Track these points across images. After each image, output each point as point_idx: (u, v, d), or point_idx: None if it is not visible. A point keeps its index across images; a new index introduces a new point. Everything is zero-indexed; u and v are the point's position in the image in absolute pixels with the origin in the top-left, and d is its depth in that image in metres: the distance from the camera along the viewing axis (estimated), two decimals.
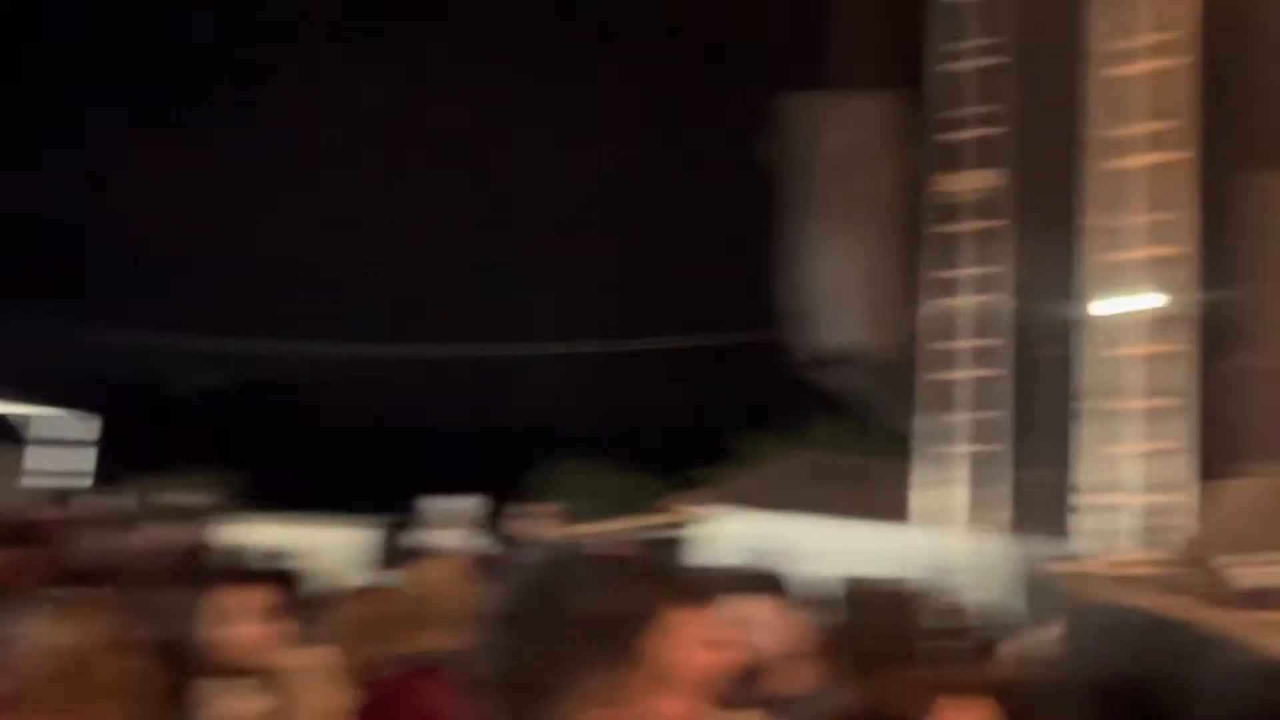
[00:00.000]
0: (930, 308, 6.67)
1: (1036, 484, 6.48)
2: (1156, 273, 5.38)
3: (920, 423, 6.86)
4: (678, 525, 23.21)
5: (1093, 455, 5.51)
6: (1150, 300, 5.29)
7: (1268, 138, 5.47)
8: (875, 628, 2.46)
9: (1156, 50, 5.79)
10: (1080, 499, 5.86)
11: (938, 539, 6.92)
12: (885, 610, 2.51)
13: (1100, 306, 5.78)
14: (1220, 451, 5.52)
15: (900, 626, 2.12)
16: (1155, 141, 5.75)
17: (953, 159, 6.70)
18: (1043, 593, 5.04)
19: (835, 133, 6.63)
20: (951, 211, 6.53)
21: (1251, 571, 3.90)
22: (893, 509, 16.49)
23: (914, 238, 6.54)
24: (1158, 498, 5.02)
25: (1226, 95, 5.55)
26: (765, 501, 22.64)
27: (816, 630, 2.33)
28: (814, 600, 2.55)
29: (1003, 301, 6.51)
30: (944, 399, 6.68)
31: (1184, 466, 5.16)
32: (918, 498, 7.20)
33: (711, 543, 22.37)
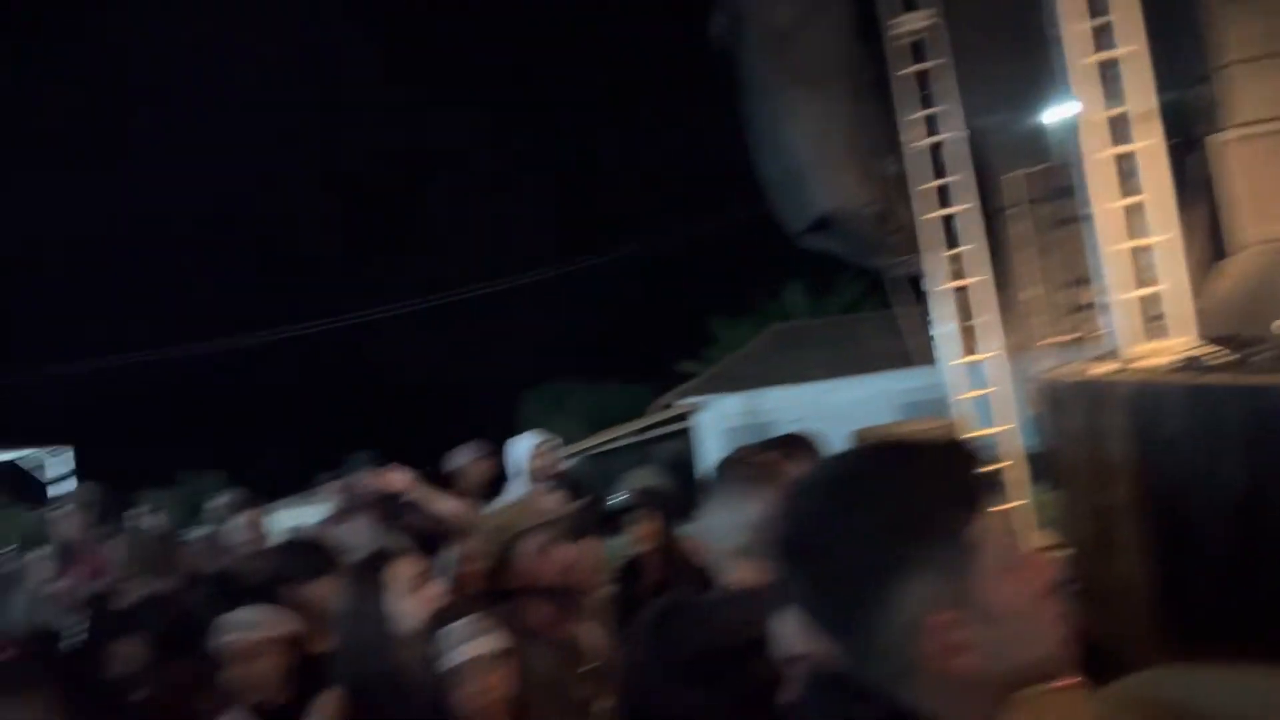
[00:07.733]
0: (911, 150, 6.73)
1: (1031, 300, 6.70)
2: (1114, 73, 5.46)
3: (909, 266, 6.98)
4: (675, 419, 23.57)
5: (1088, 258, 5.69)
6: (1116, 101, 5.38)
7: None
8: None
9: None
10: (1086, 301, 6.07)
11: (942, 376, 7.11)
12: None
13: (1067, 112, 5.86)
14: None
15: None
16: None
17: None
18: (1064, 402, 5.23)
19: None
20: (911, 51, 6.56)
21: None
22: (886, 358, 16.82)
23: (881, 84, 6.55)
24: (1158, 287, 5.20)
25: None
26: (755, 377, 23.09)
27: None
28: None
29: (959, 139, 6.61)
30: (935, 238, 6.81)
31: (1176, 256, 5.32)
32: (914, 340, 7.35)
33: (709, 427, 22.79)
